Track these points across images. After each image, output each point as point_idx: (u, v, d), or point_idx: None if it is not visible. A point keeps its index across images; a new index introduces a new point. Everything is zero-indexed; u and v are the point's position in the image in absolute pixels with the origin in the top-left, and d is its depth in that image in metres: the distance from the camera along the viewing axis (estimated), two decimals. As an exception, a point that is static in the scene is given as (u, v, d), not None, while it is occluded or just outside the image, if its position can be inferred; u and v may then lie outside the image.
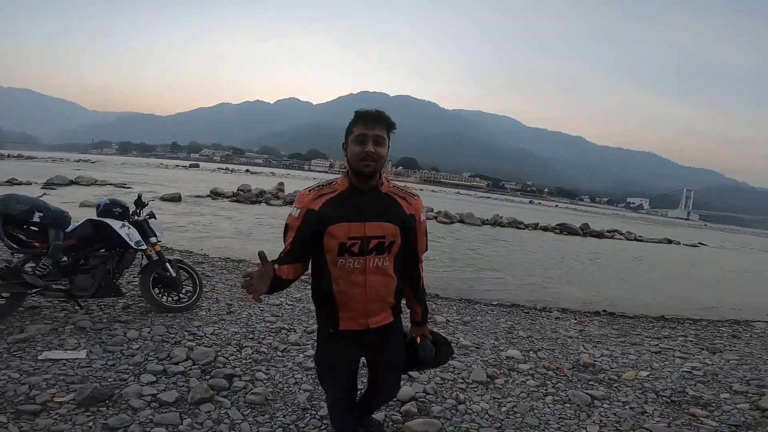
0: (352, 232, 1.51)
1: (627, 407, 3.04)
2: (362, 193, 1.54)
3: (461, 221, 21.33)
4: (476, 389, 3.12)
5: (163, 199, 16.32)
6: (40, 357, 2.77)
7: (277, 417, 2.45)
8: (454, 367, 3.46)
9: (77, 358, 2.82)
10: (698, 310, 7.76)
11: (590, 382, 3.45)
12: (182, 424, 2.28)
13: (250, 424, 2.36)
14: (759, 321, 6.94)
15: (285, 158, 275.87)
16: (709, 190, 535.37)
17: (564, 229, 23.42)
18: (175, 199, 16.88)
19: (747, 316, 7.48)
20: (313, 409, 2.59)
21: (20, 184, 17.80)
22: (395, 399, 2.78)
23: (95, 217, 3.59)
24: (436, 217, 21.08)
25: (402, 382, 3.02)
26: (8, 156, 53.04)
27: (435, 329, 4.41)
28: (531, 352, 4.08)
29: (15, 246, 3.27)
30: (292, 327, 3.94)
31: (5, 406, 2.23)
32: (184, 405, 2.46)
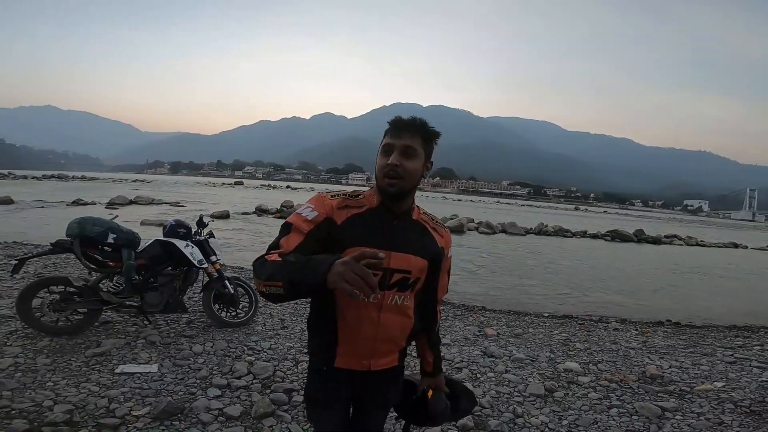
0: None
1: (702, 418, 2.95)
2: (393, 216, 1.29)
3: (504, 231, 20.84)
4: (534, 402, 3.08)
5: (213, 216, 17.11)
6: (116, 371, 2.95)
7: (337, 432, 2.47)
8: (509, 381, 3.43)
9: (150, 372, 2.98)
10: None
11: (659, 394, 3.36)
12: (247, 438, 2.34)
13: (310, 439, 2.39)
14: None
15: (323, 173, 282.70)
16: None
17: (616, 236, 22.32)
18: (224, 216, 17.73)
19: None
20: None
21: (86, 204, 19.40)
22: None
23: (162, 238, 3.82)
24: (477, 228, 20.74)
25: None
26: (73, 177, 58.22)
27: (486, 342, 4.36)
28: (591, 365, 4.01)
29: (92, 266, 3.54)
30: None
31: (87, 420, 2.36)
32: (248, 419, 2.53)
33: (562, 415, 2.90)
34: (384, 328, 1.29)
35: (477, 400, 1.62)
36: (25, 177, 49.44)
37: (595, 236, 22.38)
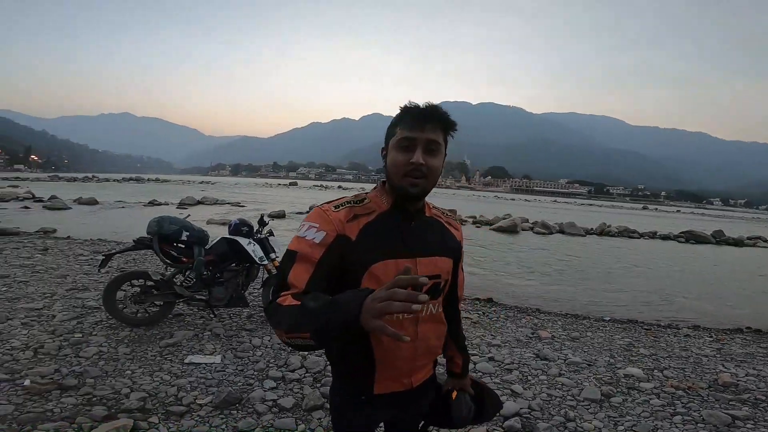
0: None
1: (777, 427, 2.74)
2: (409, 217, 1.15)
3: (561, 231, 19.88)
4: (588, 407, 2.99)
5: (270, 215, 17.98)
6: (185, 361, 3.20)
7: (383, 426, 2.53)
8: (562, 384, 3.33)
9: (214, 363, 3.20)
10: None
11: (731, 402, 3.16)
12: (297, 429, 2.45)
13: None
14: None
15: (373, 173, 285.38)
16: None
17: (691, 237, 20.52)
18: (280, 215, 18.54)
19: None
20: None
21: (159, 204, 21.21)
22: (498, 414, 2.69)
23: (228, 235, 4.10)
24: (532, 228, 19.97)
25: (505, 397, 2.96)
26: (147, 180, 63.81)
27: (539, 345, 4.22)
28: (655, 371, 3.81)
29: (168, 261, 3.87)
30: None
31: (157, 407, 2.56)
32: (299, 411, 2.64)
33: (618, 421, 2.79)
34: (423, 342, 1.18)
35: (502, 404, 1.49)
36: (107, 180, 55.08)
37: (666, 237, 20.72)
